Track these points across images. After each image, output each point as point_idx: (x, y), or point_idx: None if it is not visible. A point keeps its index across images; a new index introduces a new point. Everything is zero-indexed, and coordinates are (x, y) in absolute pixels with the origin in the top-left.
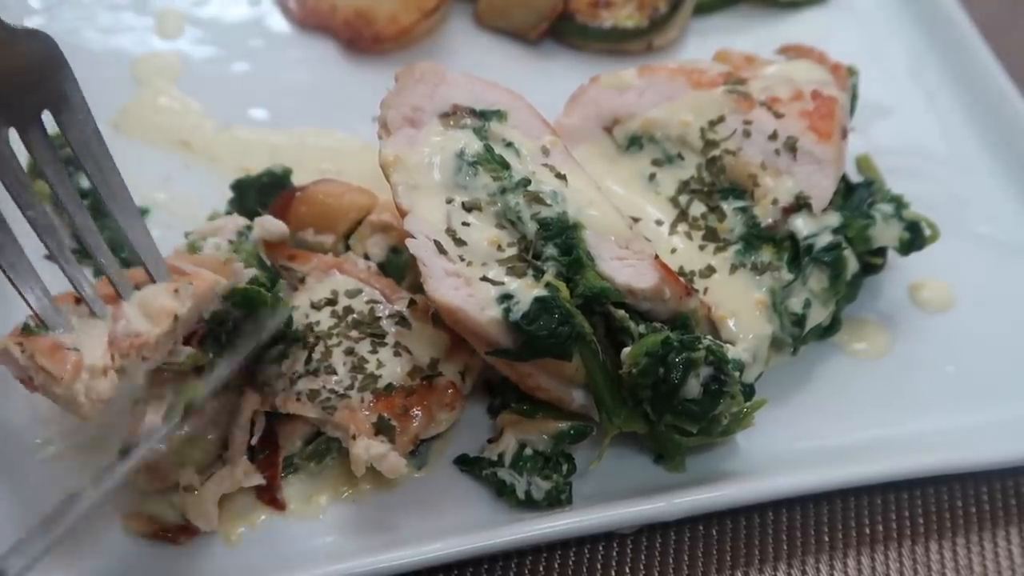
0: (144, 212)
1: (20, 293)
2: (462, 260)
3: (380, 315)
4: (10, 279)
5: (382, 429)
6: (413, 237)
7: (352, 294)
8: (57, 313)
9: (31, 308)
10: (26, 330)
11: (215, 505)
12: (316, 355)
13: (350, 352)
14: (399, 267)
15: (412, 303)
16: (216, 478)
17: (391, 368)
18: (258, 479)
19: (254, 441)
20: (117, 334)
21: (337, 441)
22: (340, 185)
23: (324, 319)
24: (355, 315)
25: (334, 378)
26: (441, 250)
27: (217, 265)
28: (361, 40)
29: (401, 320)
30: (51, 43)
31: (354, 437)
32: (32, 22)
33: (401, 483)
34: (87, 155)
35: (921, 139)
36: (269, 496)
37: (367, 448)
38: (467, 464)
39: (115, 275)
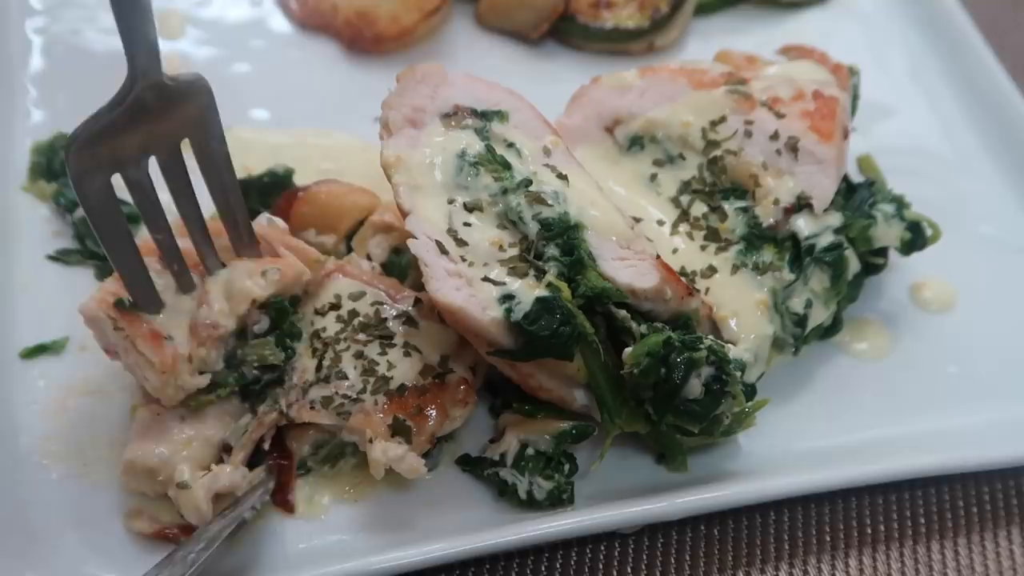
0: None
1: (117, 268)
2: (464, 260)
3: (386, 316)
4: (109, 255)
5: (398, 431)
6: (415, 237)
7: (356, 297)
8: (151, 294)
9: (127, 285)
10: (119, 305)
11: (208, 502)
12: (326, 362)
13: (359, 356)
14: (401, 267)
15: (418, 302)
16: (211, 475)
17: (402, 368)
18: (263, 486)
19: (266, 446)
20: (199, 320)
21: (351, 444)
22: (342, 186)
23: (330, 324)
24: (361, 318)
25: (346, 383)
26: (443, 250)
27: (305, 255)
28: (362, 40)
29: (408, 320)
30: (206, 89)
31: (371, 441)
32: (34, 22)
33: (405, 483)
34: (216, 181)
35: (922, 139)
36: (281, 497)
37: (385, 451)
38: (469, 464)
39: (206, 252)
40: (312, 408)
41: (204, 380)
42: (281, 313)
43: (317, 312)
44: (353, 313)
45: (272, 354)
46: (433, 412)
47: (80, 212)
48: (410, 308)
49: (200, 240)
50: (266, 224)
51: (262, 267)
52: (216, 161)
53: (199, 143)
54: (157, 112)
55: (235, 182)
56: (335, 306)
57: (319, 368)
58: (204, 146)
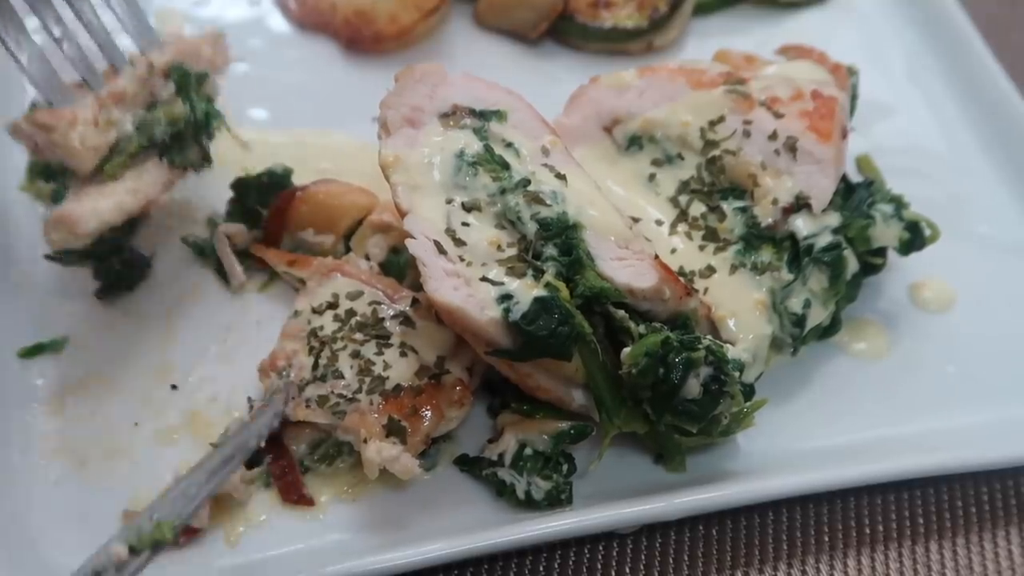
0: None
1: (27, 76)
2: (462, 260)
3: (383, 316)
4: (17, 63)
5: (393, 431)
6: (413, 237)
7: (354, 296)
8: (59, 90)
9: (37, 88)
10: (32, 107)
11: (205, 502)
12: (322, 360)
13: (356, 355)
14: (400, 267)
15: (415, 302)
16: None
17: (398, 369)
18: (246, 475)
19: (261, 443)
20: (101, 94)
21: (348, 444)
22: (341, 185)
23: (327, 323)
24: (358, 317)
25: (342, 382)
26: (441, 250)
27: (210, 39)
28: (361, 40)
29: (405, 320)
30: None
31: (366, 441)
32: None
33: (404, 483)
34: None
35: (921, 139)
36: (296, 496)
37: (379, 451)
38: (467, 464)
39: (112, 54)
40: (308, 406)
41: (109, 135)
42: (183, 77)
43: (315, 311)
44: (350, 312)
45: (177, 110)
46: (428, 413)
47: None
48: (407, 308)
49: (99, 33)
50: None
51: (161, 48)
52: None
53: None
54: None
55: None
56: (332, 305)
57: (315, 367)
58: None
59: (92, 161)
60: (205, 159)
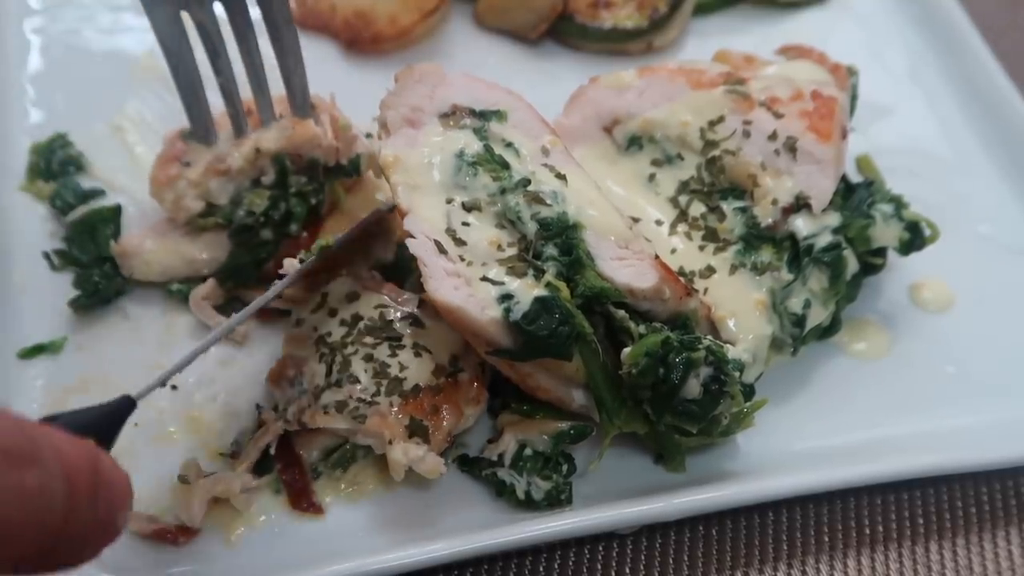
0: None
1: (180, 96)
2: (462, 260)
3: (392, 318)
4: (184, 100)
5: (416, 431)
6: (413, 237)
7: (353, 298)
8: (203, 126)
9: (186, 113)
10: (182, 134)
11: (203, 504)
12: (335, 366)
13: (369, 359)
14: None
15: (422, 302)
16: (212, 479)
17: (415, 369)
18: (251, 483)
19: (272, 451)
20: (215, 154)
21: (364, 448)
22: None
23: (334, 329)
24: (366, 321)
25: (358, 387)
26: (441, 250)
27: (336, 126)
28: (361, 40)
29: (414, 321)
30: None
31: (391, 442)
32: (32, 22)
33: (403, 484)
34: (277, 40)
35: (921, 139)
36: (306, 503)
37: (405, 452)
38: (467, 464)
39: (261, 102)
40: (326, 413)
41: (198, 205)
42: (281, 170)
43: (316, 315)
44: (356, 316)
45: (259, 201)
46: (448, 411)
47: (74, 215)
48: (415, 309)
49: (256, 91)
50: (317, 94)
51: (288, 128)
52: (277, 19)
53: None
54: None
55: (296, 45)
56: (334, 311)
57: (329, 373)
58: (266, 3)
59: (178, 216)
60: (261, 262)
